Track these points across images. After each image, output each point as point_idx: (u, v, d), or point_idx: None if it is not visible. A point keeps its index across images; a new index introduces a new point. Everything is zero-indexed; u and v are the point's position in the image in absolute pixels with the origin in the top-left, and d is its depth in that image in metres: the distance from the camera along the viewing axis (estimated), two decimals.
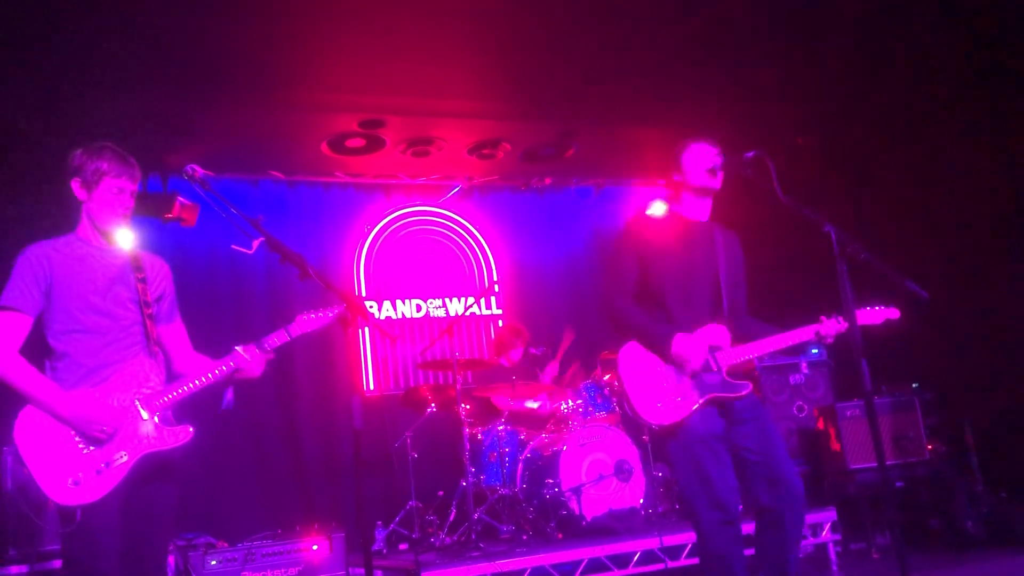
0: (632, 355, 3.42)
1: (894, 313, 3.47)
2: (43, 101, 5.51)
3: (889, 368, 6.12)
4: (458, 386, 5.91)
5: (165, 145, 6.45)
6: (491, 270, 8.01)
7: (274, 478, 6.79)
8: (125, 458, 2.91)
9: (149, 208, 6.55)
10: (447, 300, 7.83)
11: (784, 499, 3.31)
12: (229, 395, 3.31)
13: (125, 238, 3.20)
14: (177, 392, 3.07)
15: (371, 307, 7.55)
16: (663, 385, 3.34)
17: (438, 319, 7.71)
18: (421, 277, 7.81)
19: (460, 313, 7.56)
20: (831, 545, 5.61)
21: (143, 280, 3.17)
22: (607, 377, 6.48)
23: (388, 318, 7.59)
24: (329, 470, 6.91)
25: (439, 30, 5.49)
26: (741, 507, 5.80)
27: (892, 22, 5.76)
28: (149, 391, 3.04)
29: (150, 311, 3.15)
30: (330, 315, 3.23)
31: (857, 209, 6.91)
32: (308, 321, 3.22)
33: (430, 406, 6.40)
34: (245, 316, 6.93)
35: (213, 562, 4.98)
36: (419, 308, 7.73)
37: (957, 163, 6.57)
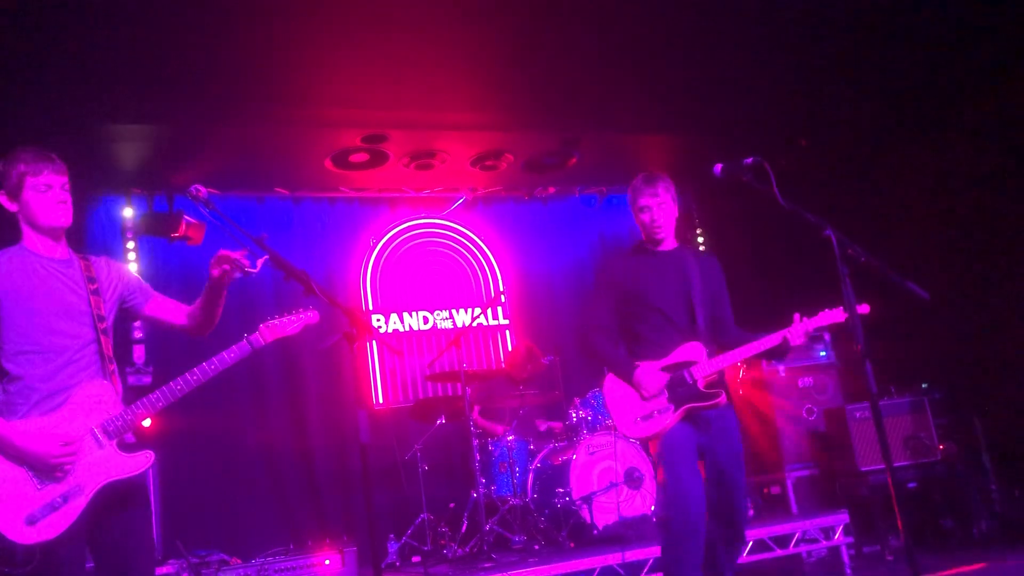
0: (614, 380, 3.81)
1: (839, 316, 3.66)
2: (45, 122, 5.55)
3: (899, 369, 6.14)
4: (467, 397, 5.92)
5: (170, 164, 6.51)
6: (497, 280, 8.02)
7: (286, 493, 6.80)
8: (83, 490, 2.77)
9: (155, 227, 6.61)
10: (454, 311, 7.85)
11: (723, 536, 3.69)
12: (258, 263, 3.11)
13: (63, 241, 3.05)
14: (135, 414, 2.92)
15: (378, 320, 7.57)
16: (640, 403, 3.71)
17: (445, 331, 7.73)
18: (427, 289, 7.83)
19: (467, 324, 7.58)
20: (844, 548, 5.60)
21: (96, 292, 3.03)
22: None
23: (395, 331, 7.61)
24: (340, 484, 6.91)
25: (439, 44, 5.52)
26: (752, 512, 5.87)
27: (891, 23, 5.77)
28: (106, 416, 2.88)
29: (103, 326, 2.99)
30: (298, 321, 3.20)
31: (861, 208, 6.90)
32: (273, 328, 3.18)
33: (439, 418, 6.42)
34: (254, 331, 6.92)
35: None
36: (426, 320, 7.75)
37: (963, 161, 6.58)
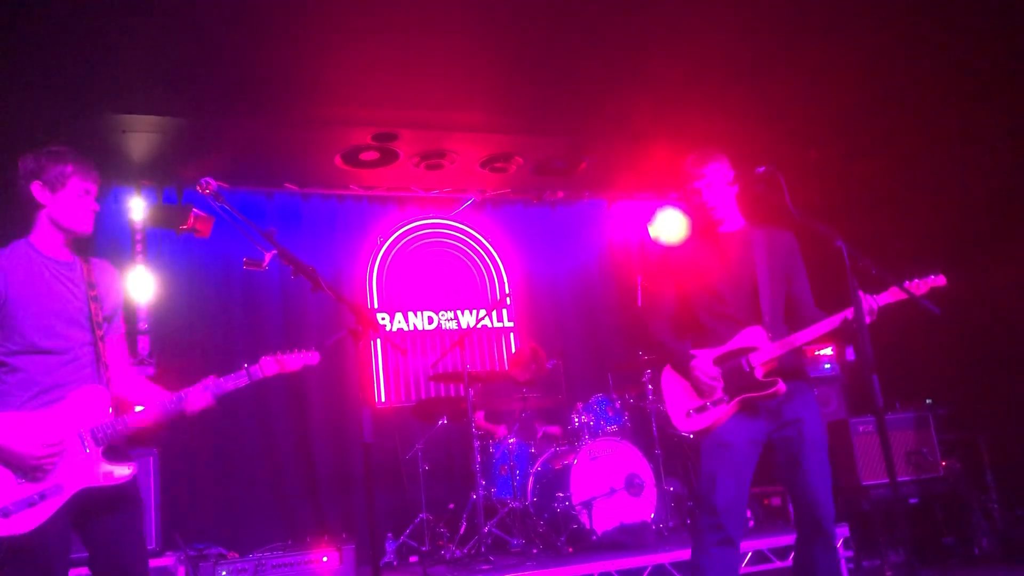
0: (672, 372, 3.60)
1: (940, 280, 3.39)
2: (59, 114, 5.57)
3: (903, 384, 6.11)
4: (469, 398, 5.92)
5: (181, 158, 6.52)
6: (503, 283, 8.02)
7: (286, 489, 6.80)
8: (62, 490, 2.77)
9: (164, 219, 6.61)
10: (459, 312, 7.84)
11: (814, 538, 3.36)
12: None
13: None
14: (126, 426, 2.92)
15: (383, 319, 7.57)
16: (694, 396, 3.49)
17: (450, 331, 7.72)
18: (433, 289, 7.83)
19: (472, 325, 7.57)
20: (844, 562, 5.56)
21: (96, 298, 3.03)
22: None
23: (400, 330, 7.61)
24: (340, 482, 6.91)
25: (452, 46, 5.52)
26: (752, 523, 5.74)
27: (901, 34, 5.76)
28: (97, 422, 2.89)
29: (100, 332, 3.00)
30: (298, 359, 3.17)
31: (872, 222, 6.89)
32: (273, 363, 3.14)
33: (441, 418, 6.41)
34: (259, 327, 6.96)
35: (223, 573, 5.00)
36: (431, 320, 7.75)
37: (972, 176, 6.56)
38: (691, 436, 3.44)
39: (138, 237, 6.77)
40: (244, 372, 3.10)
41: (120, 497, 2.91)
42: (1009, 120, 6.31)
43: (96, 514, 2.87)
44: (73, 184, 3.00)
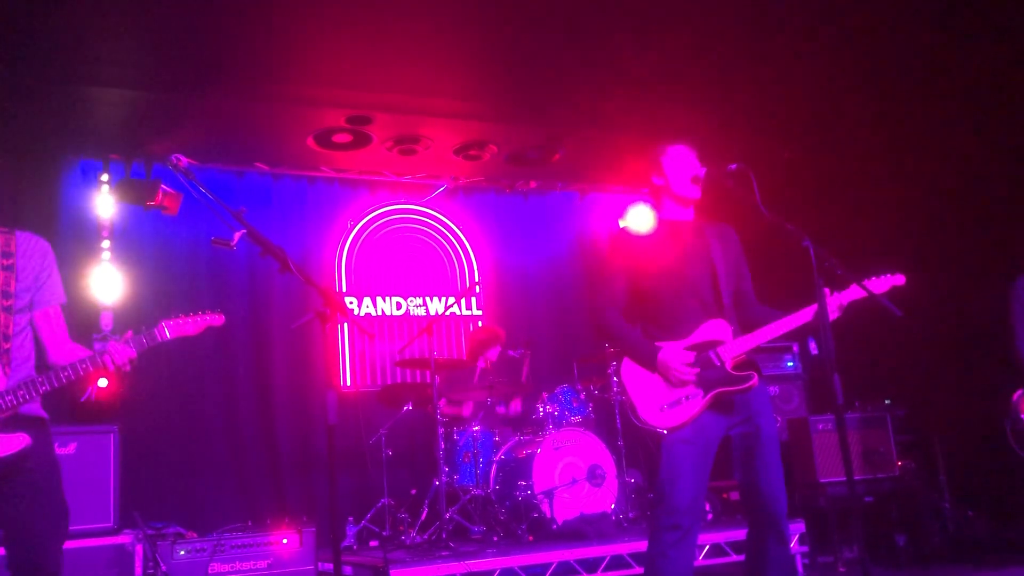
0: (632, 365, 3.42)
1: (899, 279, 3.39)
2: (26, 80, 5.47)
3: (862, 384, 6.21)
4: (435, 385, 5.92)
5: (150, 132, 6.44)
6: (473, 271, 8.02)
7: (248, 470, 6.76)
8: None
9: (131, 194, 6.53)
10: (427, 299, 7.83)
11: (768, 533, 3.34)
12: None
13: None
14: (16, 397, 2.84)
15: (351, 303, 7.54)
16: (666, 389, 3.34)
17: (418, 318, 7.71)
18: (402, 275, 7.81)
19: (440, 313, 7.57)
20: (799, 557, 5.65)
21: (9, 267, 2.92)
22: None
23: (368, 315, 7.59)
24: (303, 464, 6.89)
25: (429, 30, 5.50)
26: (711, 516, 5.78)
27: (878, 34, 5.83)
28: None
29: (8, 303, 2.89)
30: (200, 321, 3.12)
31: (834, 220, 6.98)
32: (174, 326, 3.07)
33: (406, 404, 6.41)
34: (225, 306, 6.76)
35: (182, 552, 4.97)
36: (399, 306, 7.73)
37: (933, 178, 6.67)
38: (664, 432, 3.30)
39: (105, 211, 6.66)
40: (141, 338, 2.99)
41: (15, 470, 2.83)
42: (976, 118, 6.42)
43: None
44: None
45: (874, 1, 5.44)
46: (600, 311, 3.48)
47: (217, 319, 3.17)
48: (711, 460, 3.35)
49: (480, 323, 7.90)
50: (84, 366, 2.90)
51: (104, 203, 6.65)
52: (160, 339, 3.04)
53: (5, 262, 2.92)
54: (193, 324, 3.12)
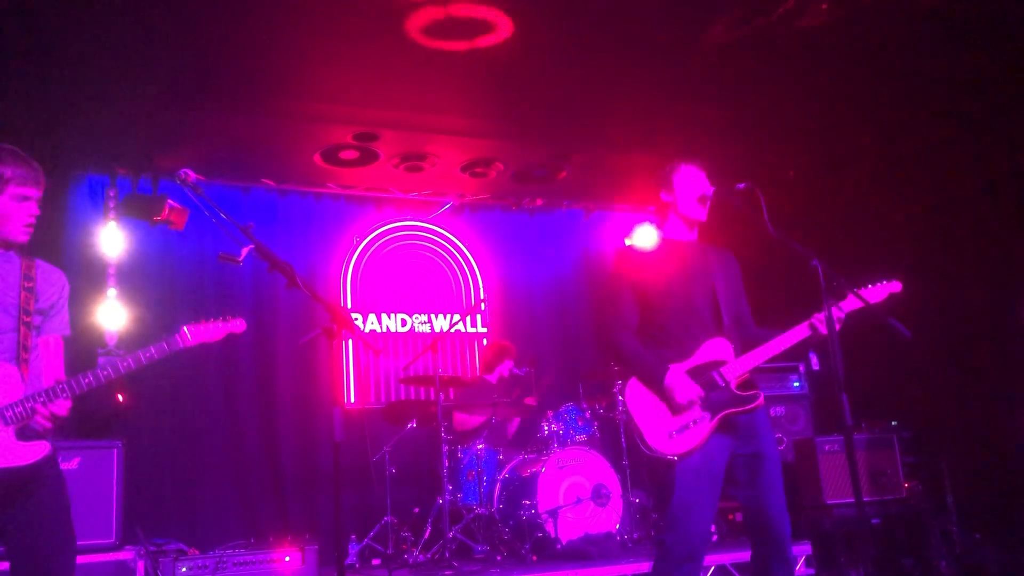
0: (639, 387, 3.36)
1: (896, 286, 3.38)
2: (37, 97, 5.50)
3: (869, 405, 6.17)
4: (440, 402, 5.90)
5: (157, 147, 6.46)
6: (478, 288, 8.01)
7: (250, 487, 6.74)
8: None
9: (138, 209, 6.54)
10: (433, 316, 7.82)
11: (774, 554, 3.29)
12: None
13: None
14: (35, 403, 2.85)
15: (356, 320, 7.53)
16: (672, 414, 3.28)
17: (423, 335, 7.70)
18: (408, 292, 7.80)
19: (445, 330, 7.56)
20: None
21: (30, 289, 3.00)
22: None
23: (373, 331, 7.58)
24: (306, 481, 6.86)
25: (436, 49, 5.51)
26: (716, 538, 5.76)
27: (880, 58, 5.85)
28: (6, 401, 2.84)
29: (28, 319, 2.97)
30: (222, 328, 3.14)
31: (842, 244, 6.97)
32: (196, 332, 3.10)
33: (411, 422, 6.39)
34: (175, 334, 6.87)
35: (184, 569, 4.94)
36: (404, 323, 7.72)
37: (938, 194, 6.67)
38: (675, 459, 3.23)
39: (111, 225, 6.66)
40: (163, 343, 3.06)
41: (33, 480, 2.86)
42: (977, 138, 6.43)
43: (10, 500, 2.82)
44: (11, 191, 2.93)
45: (875, 21, 5.45)
46: (609, 330, 3.44)
47: (239, 325, 3.19)
48: (720, 485, 3.31)
49: (486, 340, 7.88)
50: (97, 376, 2.94)
51: (109, 217, 6.65)
52: (182, 344, 3.08)
53: (27, 284, 3.00)
54: (215, 330, 3.15)
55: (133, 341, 6.37)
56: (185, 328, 3.09)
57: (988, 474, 6.09)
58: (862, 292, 3.32)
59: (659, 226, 3.66)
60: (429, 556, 5.75)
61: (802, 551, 5.58)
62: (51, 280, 3.12)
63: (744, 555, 5.43)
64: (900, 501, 5.99)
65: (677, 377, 3.25)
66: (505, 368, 6.82)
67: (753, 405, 3.29)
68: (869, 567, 5.65)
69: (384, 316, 7.66)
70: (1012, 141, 6.23)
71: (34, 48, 5.06)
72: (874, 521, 5.90)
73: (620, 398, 6.36)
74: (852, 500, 3.38)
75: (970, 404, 6.28)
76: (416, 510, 6.39)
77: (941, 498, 6.26)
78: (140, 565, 4.87)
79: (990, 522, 6.03)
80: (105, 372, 2.94)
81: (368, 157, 6.96)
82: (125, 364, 2.98)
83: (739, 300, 3.57)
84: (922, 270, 6.31)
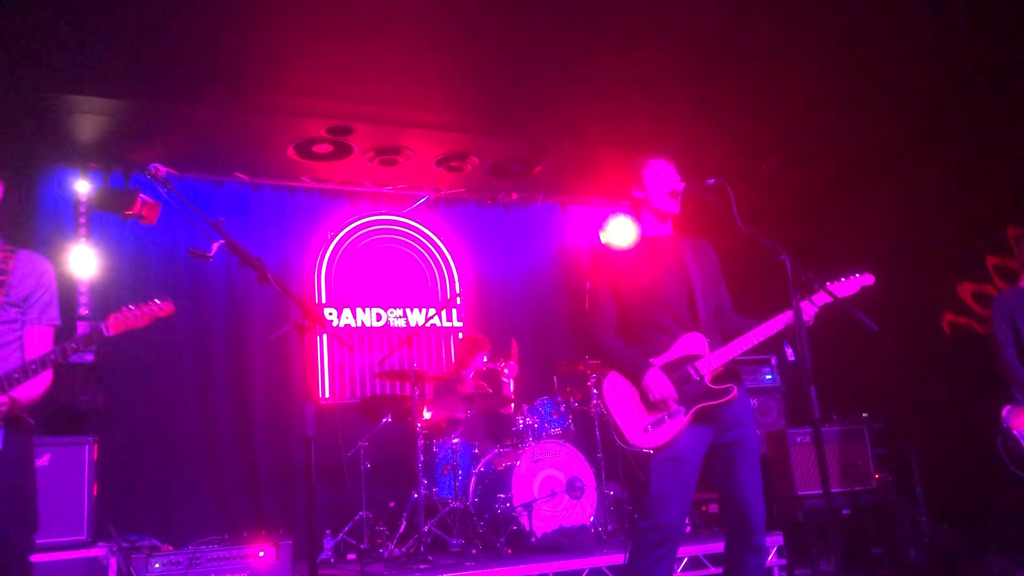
0: (616, 383, 3.44)
1: (868, 279, 3.42)
2: (8, 94, 5.43)
3: (841, 397, 6.25)
4: (415, 397, 5.90)
5: (129, 141, 6.40)
6: (454, 282, 8.01)
7: (224, 483, 6.70)
8: None
9: (110, 204, 6.40)
10: (408, 310, 7.81)
11: (748, 542, 3.36)
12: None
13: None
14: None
15: (330, 314, 7.51)
16: (648, 409, 3.35)
17: (398, 329, 7.69)
18: (383, 286, 7.78)
19: (420, 324, 7.55)
20: (776, 570, 5.67)
21: (2, 283, 3.03)
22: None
23: (347, 326, 7.56)
24: (280, 476, 6.84)
25: (411, 42, 5.51)
26: (689, 529, 5.81)
27: (856, 50, 5.90)
28: None
29: None
30: (149, 313, 3.14)
31: (814, 237, 7.03)
32: (120, 320, 3.11)
33: (386, 416, 6.39)
34: (203, 316, 6.86)
35: (157, 565, 4.91)
36: (379, 317, 7.71)
37: (910, 190, 6.74)
38: (650, 452, 3.31)
39: (82, 221, 6.60)
40: (85, 335, 3.09)
41: None
42: (952, 130, 6.51)
43: None
44: None
45: (848, 17, 5.50)
46: (593, 331, 3.51)
47: (166, 308, 3.18)
48: (697, 475, 3.37)
49: (461, 335, 7.89)
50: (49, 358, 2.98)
51: (81, 212, 6.58)
52: (107, 334, 3.08)
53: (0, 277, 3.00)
54: (139, 317, 3.13)
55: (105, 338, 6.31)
56: (110, 317, 3.09)
57: (956, 465, 6.17)
58: (835, 285, 3.37)
59: (635, 222, 3.69)
60: (404, 550, 5.76)
61: (774, 542, 5.63)
62: (29, 272, 3.12)
63: (717, 546, 5.48)
64: (870, 492, 6.07)
65: (653, 374, 3.32)
66: (480, 361, 6.84)
67: (727, 398, 3.35)
68: (839, 557, 5.72)
69: (359, 311, 7.64)
70: (983, 135, 6.31)
71: (1, 40, 4.99)
72: (845, 512, 5.97)
73: (595, 391, 6.40)
74: (823, 491, 3.43)
75: (939, 395, 6.37)
76: (391, 504, 6.39)
77: (910, 489, 6.35)
78: (112, 562, 4.83)
79: (958, 512, 6.12)
80: (33, 367, 2.95)
81: (342, 151, 6.93)
82: (51, 357, 3.00)
83: (717, 291, 3.62)
84: (894, 263, 6.42)
